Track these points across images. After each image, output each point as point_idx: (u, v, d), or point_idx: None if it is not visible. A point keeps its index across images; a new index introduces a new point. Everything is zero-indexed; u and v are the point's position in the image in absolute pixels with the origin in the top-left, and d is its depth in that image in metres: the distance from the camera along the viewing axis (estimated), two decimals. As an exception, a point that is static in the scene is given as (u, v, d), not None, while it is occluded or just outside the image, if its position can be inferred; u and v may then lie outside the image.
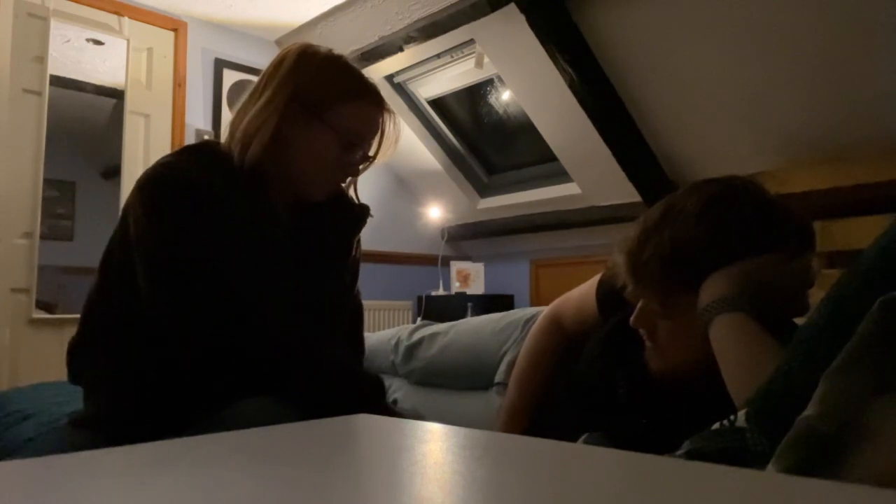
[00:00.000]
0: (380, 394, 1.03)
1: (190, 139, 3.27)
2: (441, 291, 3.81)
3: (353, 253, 1.17)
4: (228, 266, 0.93)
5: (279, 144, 1.01)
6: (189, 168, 0.96)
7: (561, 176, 3.41)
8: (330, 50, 1.07)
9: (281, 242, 1.02)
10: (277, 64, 1.03)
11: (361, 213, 1.16)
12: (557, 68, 2.75)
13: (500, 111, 3.58)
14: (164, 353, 0.94)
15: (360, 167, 1.11)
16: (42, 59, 2.84)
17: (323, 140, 1.02)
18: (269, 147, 0.99)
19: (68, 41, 3.09)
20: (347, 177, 1.11)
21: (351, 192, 1.17)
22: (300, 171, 1.04)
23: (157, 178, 0.95)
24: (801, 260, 0.87)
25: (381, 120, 1.08)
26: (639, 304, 0.93)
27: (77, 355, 1.02)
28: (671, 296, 0.88)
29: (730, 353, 0.77)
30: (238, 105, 1.04)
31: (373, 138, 1.08)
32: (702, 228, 0.86)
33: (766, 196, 0.90)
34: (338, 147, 1.04)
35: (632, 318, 0.94)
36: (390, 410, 1.03)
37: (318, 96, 1.02)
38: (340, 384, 0.96)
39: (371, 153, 1.09)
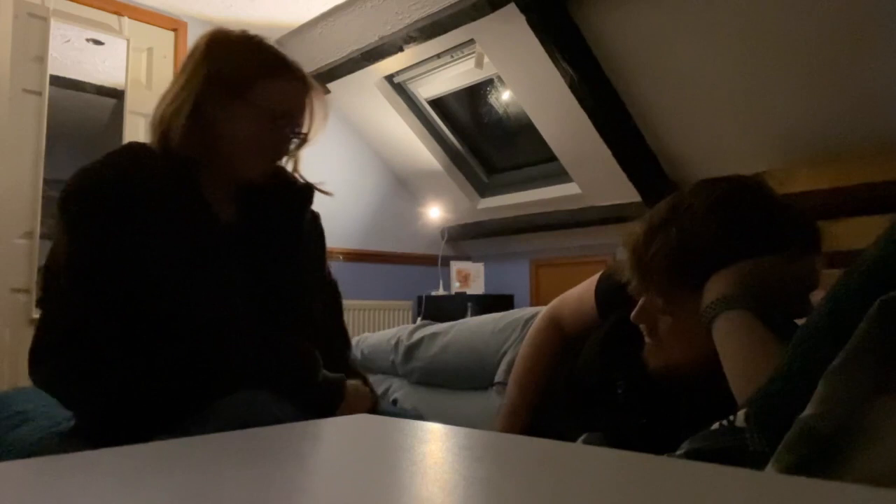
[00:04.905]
0: (305, 381, 1.01)
1: (190, 139, 3.27)
2: (441, 291, 3.81)
3: (306, 233, 1.15)
4: (149, 272, 0.92)
5: (203, 129, 1.00)
6: (107, 173, 0.95)
7: (561, 176, 3.41)
8: (244, 31, 1.06)
9: (214, 234, 1.01)
10: (191, 52, 1.03)
11: (306, 190, 1.14)
12: (557, 68, 2.75)
13: (500, 111, 3.58)
14: (117, 363, 0.92)
15: (293, 146, 1.09)
16: (42, 59, 2.84)
17: (248, 119, 1.02)
18: (191, 131, 0.98)
19: (68, 41, 3.09)
20: (280, 156, 1.09)
21: (296, 174, 1.14)
22: (230, 154, 1.03)
23: (73, 190, 0.94)
24: (806, 261, 0.87)
25: (305, 97, 1.07)
26: (641, 300, 0.93)
27: (37, 364, 0.96)
28: (675, 292, 0.88)
29: (733, 351, 0.77)
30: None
31: (300, 115, 1.07)
32: (709, 226, 0.86)
33: (774, 196, 0.91)
34: (264, 125, 1.03)
35: (633, 314, 0.94)
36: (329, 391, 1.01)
37: (237, 75, 1.01)
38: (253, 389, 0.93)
39: (302, 131, 1.08)
